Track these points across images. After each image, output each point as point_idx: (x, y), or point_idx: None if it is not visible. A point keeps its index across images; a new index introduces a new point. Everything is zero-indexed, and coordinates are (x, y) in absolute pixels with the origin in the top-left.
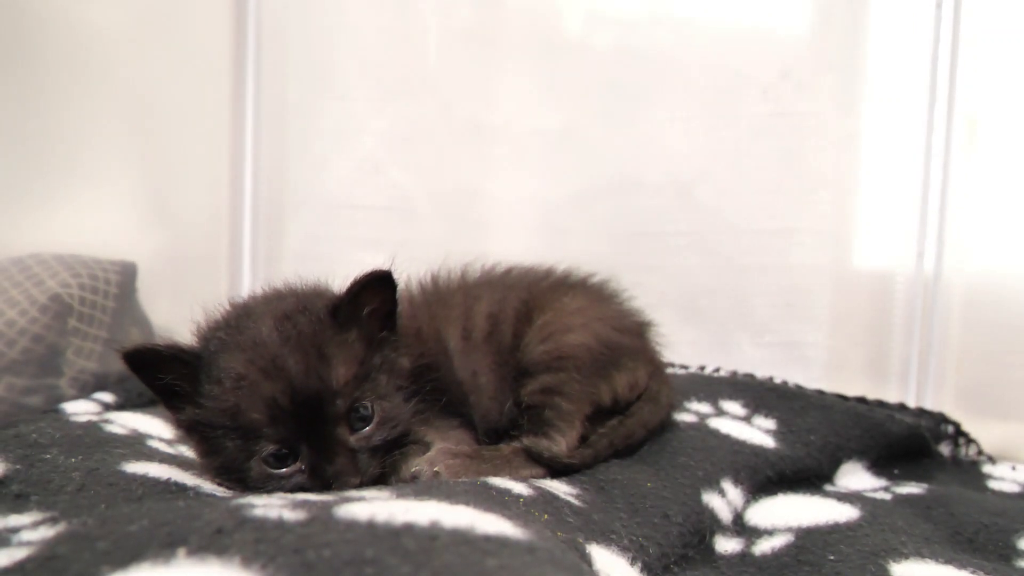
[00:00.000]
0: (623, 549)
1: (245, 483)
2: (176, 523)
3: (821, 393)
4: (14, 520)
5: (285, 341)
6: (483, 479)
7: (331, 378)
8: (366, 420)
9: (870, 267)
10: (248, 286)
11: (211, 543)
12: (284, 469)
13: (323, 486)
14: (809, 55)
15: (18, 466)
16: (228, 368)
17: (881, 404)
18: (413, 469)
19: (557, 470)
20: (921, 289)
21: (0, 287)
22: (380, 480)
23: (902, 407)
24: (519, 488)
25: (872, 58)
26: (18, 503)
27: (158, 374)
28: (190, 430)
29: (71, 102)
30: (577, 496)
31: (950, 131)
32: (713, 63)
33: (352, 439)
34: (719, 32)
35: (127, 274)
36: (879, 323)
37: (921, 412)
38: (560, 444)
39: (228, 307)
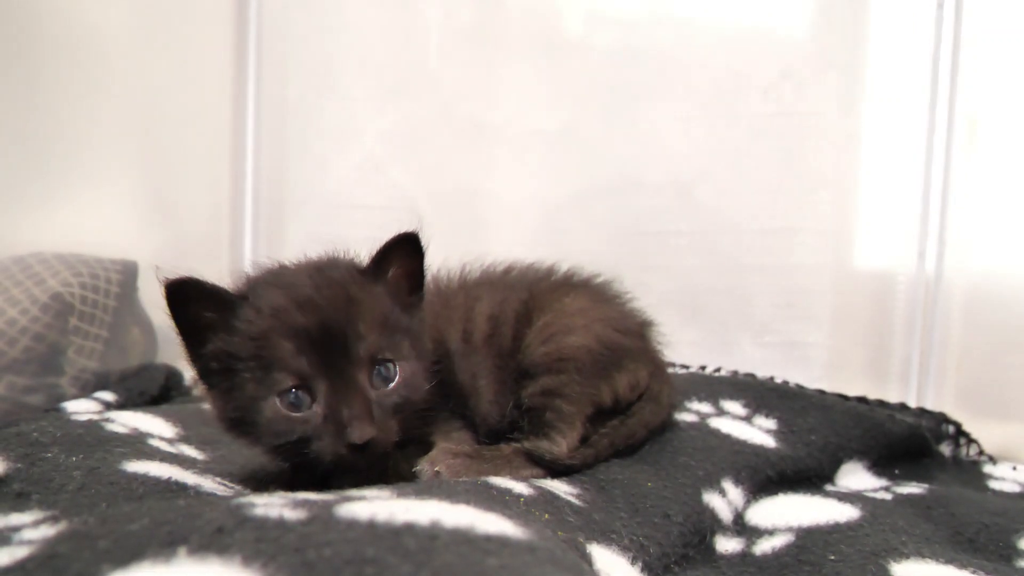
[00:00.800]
0: (624, 549)
1: (256, 431)
2: (177, 522)
3: (822, 393)
4: (15, 519)
5: (318, 286)
6: (484, 479)
7: (358, 318)
8: (387, 380)
9: (871, 267)
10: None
11: (212, 542)
12: (299, 413)
13: (336, 432)
14: (810, 55)
15: (19, 465)
16: (269, 299)
17: (882, 404)
18: (414, 468)
19: (558, 471)
20: (922, 289)
21: (2, 286)
22: (381, 479)
23: (903, 407)
24: (520, 488)
25: (873, 58)
26: (19, 502)
27: (193, 311)
28: (208, 371)
29: (72, 101)
30: (578, 496)
31: (951, 131)
32: (714, 63)
33: (373, 392)
34: (720, 32)
35: (128, 273)
36: (880, 323)
37: (922, 412)
38: (561, 445)
39: (268, 264)
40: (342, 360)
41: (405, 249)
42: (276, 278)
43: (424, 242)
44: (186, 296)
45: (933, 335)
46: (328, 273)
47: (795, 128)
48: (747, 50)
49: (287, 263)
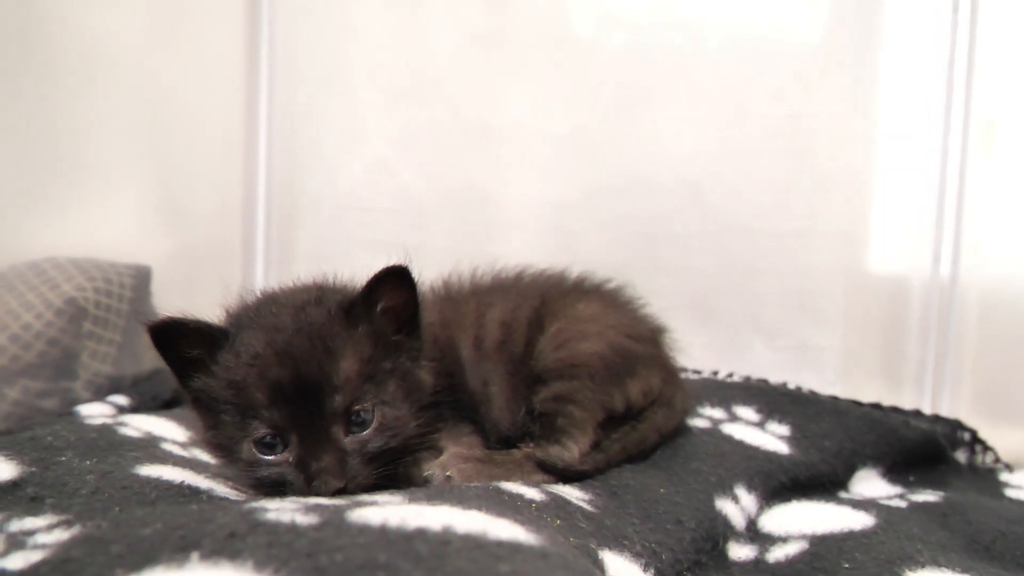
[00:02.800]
0: (636, 555)
1: (236, 462)
2: (189, 527)
3: (835, 399)
4: (29, 523)
5: (297, 330)
6: (495, 484)
7: (333, 372)
8: (364, 424)
9: (885, 270)
10: (261, 287)
11: (224, 547)
12: (272, 456)
13: (305, 481)
14: (822, 56)
15: (33, 469)
16: (248, 344)
17: (896, 410)
18: (425, 473)
19: (570, 477)
20: (937, 293)
21: (16, 291)
22: (391, 484)
23: (917, 413)
24: (531, 493)
25: (886, 60)
26: (33, 506)
27: (180, 347)
28: (197, 401)
29: (85, 106)
30: (589, 501)
31: (967, 133)
32: (724, 65)
33: (346, 440)
34: (730, 34)
35: (141, 277)
36: (894, 327)
37: (937, 418)
38: (573, 450)
39: (258, 294)
40: (315, 413)
41: (394, 282)
42: (259, 316)
43: (416, 274)
44: (170, 335)
45: (948, 340)
46: (310, 315)
47: (807, 130)
48: (758, 52)
49: (277, 291)
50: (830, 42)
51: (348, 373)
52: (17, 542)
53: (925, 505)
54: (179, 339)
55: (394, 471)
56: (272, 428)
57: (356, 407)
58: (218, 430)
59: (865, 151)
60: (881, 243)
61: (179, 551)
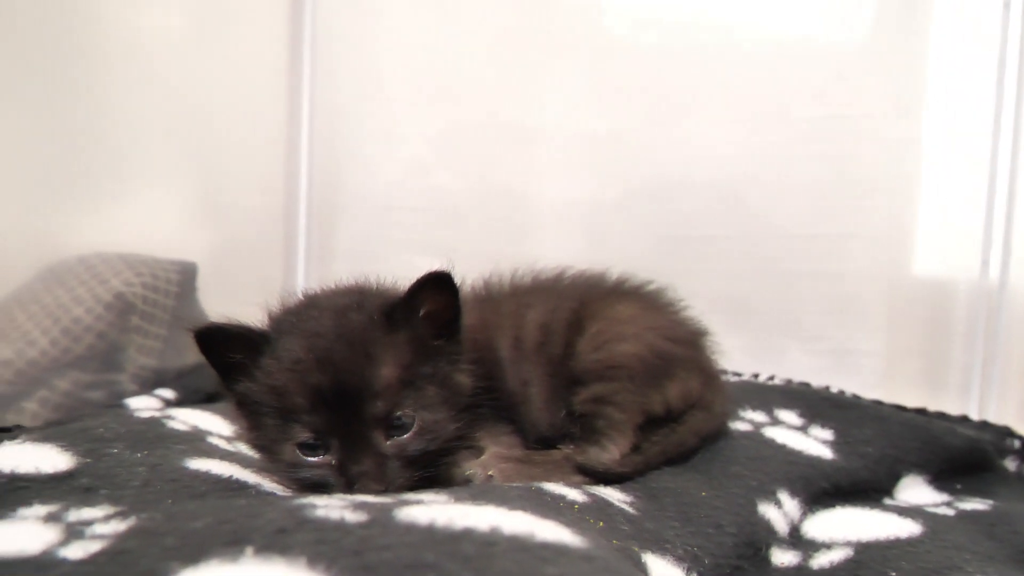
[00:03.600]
0: (678, 559)
1: (278, 462)
2: (239, 521)
3: (878, 403)
4: (87, 513)
5: (338, 335)
6: (537, 484)
7: (374, 378)
8: (404, 428)
9: (930, 275)
10: (301, 285)
11: (275, 543)
12: (314, 458)
13: (346, 484)
14: (866, 57)
15: (87, 460)
16: (290, 350)
17: (942, 416)
18: (467, 472)
19: (609, 480)
20: (985, 297)
21: (67, 285)
22: (432, 483)
23: (964, 419)
24: (573, 494)
25: (934, 58)
26: (88, 496)
27: (223, 352)
28: (241, 404)
29: (133, 105)
30: (630, 503)
31: (1018, 134)
32: (763, 64)
33: (386, 445)
34: (769, 33)
35: (187, 273)
36: (939, 332)
37: (984, 425)
38: (612, 452)
39: (300, 297)
40: (355, 418)
41: (436, 288)
42: (300, 321)
43: (458, 281)
44: (214, 340)
45: (996, 345)
46: (351, 320)
47: (849, 132)
48: (799, 51)
49: (319, 294)
50: (875, 40)
51: (388, 379)
52: (76, 531)
53: (973, 514)
54: (223, 343)
55: (434, 473)
56: (313, 432)
57: (396, 412)
58: (261, 432)
59: (911, 153)
60: (927, 246)
61: (231, 545)
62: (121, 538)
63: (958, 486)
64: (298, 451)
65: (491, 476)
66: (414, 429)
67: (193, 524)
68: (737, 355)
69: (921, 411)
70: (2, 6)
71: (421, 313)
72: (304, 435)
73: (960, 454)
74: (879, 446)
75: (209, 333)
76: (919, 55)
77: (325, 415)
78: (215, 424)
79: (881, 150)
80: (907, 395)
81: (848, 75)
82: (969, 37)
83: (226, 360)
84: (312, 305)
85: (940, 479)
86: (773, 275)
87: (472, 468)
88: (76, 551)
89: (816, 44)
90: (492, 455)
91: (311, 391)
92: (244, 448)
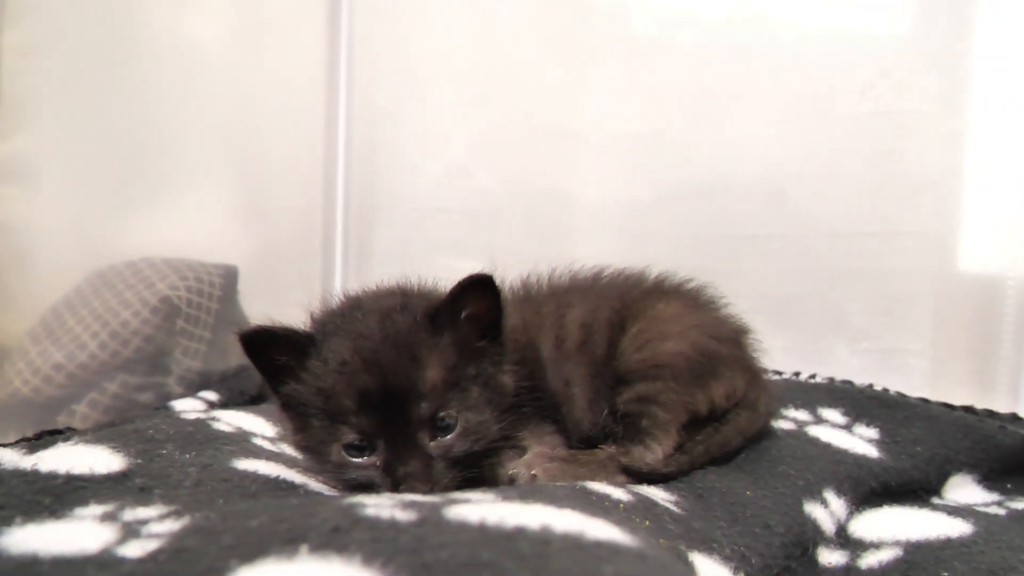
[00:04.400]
0: (725, 559)
1: (325, 463)
2: (293, 520)
3: (925, 402)
4: (142, 512)
5: (384, 338)
6: (581, 483)
7: (419, 380)
8: (448, 429)
9: (977, 271)
10: (340, 287)
11: (330, 541)
12: (360, 459)
13: (392, 484)
14: (911, 53)
15: (139, 460)
16: (336, 352)
17: (991, 414)
18: (511, 472)
19: (654, 480)
20: None
21: (115, 289)
22: (477, 483)
23: (1014, 417)
24: (619, 494)
25: (979, 55)
26: (143, 496)
27: (269, 354)
28: (287, 406)
29: (176, 113)
30: (676, 503)
31: None
32: (806, 62)
33: (431, 445)
34: (813, 31)
35: (229, 277)
36: (986, 330)
37: None
38: (656, 452)
39: (343, 298)
40: (401, 419)
41: (479, 290)
42: (345, 323)
43: (499, 282)
44: (260, 343)
45: None
46: (396, 322)
47: (895, 128)
48: (843, 49)
49: (362, 296)
50: (919, 36)
51: (433, 381)
52: (132, 531)
53: None
54: (268, 346)
55: (478, 473)
56: (360, 433)
57: (441, 414)
58: (307, 433)
59: (957, 149)
60: (973, 243)
61: (288, 543)
62: (178, 536)
63: (1008, 485)
64: (344, 452)
65: (535, 475)
66: (458, 430)
67: (249, 523)
68: (782, 355)
69: (969, 409)
70: (52, 15)
71: (464, 315)
72: (351, 436)
73: (1012, 453)
74: (929, 445)
75: (255, 336)
76: (964, 49)
77: (371, 416)
78: (259, 425)
79: (926, 146)
80: (955, 394)
81: (892, 70)
82: (1014, 29)
83: (272, 362)
84: (356, 307)
85: (990, 478)
86: (817, 274)
87: (516, 467)
88: (134, 549)
89: (859, 38)
90: (536, 455)
91: (358, 393)
92: (287, 449)
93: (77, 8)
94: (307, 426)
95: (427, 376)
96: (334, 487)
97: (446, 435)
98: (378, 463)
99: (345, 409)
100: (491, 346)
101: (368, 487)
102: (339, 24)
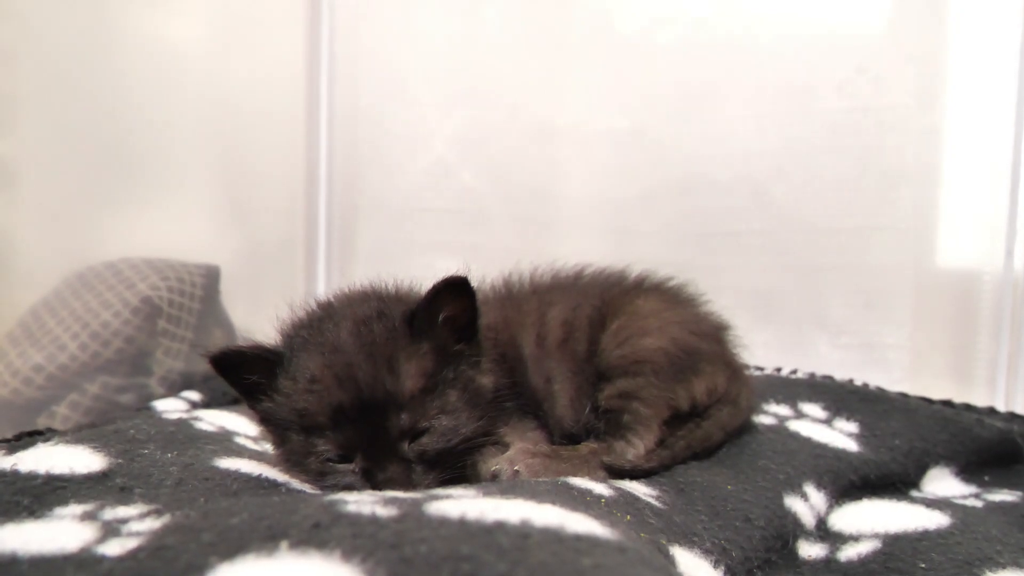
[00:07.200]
0: (706, 551)
1: (306, 474)
2: (274, 517)
3: (904, 396)
4: (122, 511)
5: (359, 348)
6: (563, 479)
7: (398, 392)
8: (424, 432)
9: (955, 266)
10: (323, 288)
11: (311, 537)
12: (341, 466)
13: (373, 489)
14: (887, 49)
15: (120, 460)
16: (304, 368)
17: (969, 408)
18: (493, 468)
19: (636, 476)
20: (1011, 288)
21: (95, 290)
22: (459, 482)
23: (992, 411)
24: (600, 489)
25: (955, 50)
26: (124, 495)
27: (241, 374)
28: (264, 421)
29: (156, 113)
30: (657, 497)
31: None
32: (786, 59)
33: (407, 448)
34: (791, 28)
35: (211, 277)
36: (964, 324)
37: (1013, 417)
38: (638, 447)
39: (313, 306)
40: (379, 429)
41: (454, 292)
42: (315, 335)
43: (477, 282)
44: (229, 364)
45: (1022, 335)
46: (372, 331)
47: (873, 124)
48: (821, 45)
49: (333, 303)
50: (895, 32)
51: (412, 391)
52: (112, 529)
53: (1003, 505)
54: (239, 366)
55: (460, 472)
56: (337, 447)
57: (420, 424)
58: (287, 446)
59: (934, 144)
60: (951, 238)
61: (268, 540)
62: (158, 535)
63: (986, 478)
64: (323, 464)
65: (518, 471)
66: (431, 433)
67: (229, 520)
68: (764, 350)
69: (948, 403)
70: (30, 18)
71: (440, 318)
72: (328, 451)
73: (989, 446)
74: (907, 439)
75: (224, 357)
76: (940, 45)
77: (347, 431)
78: (241, 425)
79: (904, 141)
80: (934, 388)
81: (869, 67)
82: (989, 25)
83: (244, 382)
84: (327, 316)
85: (967, 471)
86: (798, 269)
87: (499, 464)
88: (114, 548)
89: (837, 35)
90: (518, 451)
91: (331, 409)
92: (269, 448)
93: (55, 10)
94: (286, 439)
95: (406, 386)
96: (316, 487)
97: (421, 437)
98: (356, 469)
99: (320, 425)
100: (468, 348)
101: (349, 489)
102: (320, 23)
